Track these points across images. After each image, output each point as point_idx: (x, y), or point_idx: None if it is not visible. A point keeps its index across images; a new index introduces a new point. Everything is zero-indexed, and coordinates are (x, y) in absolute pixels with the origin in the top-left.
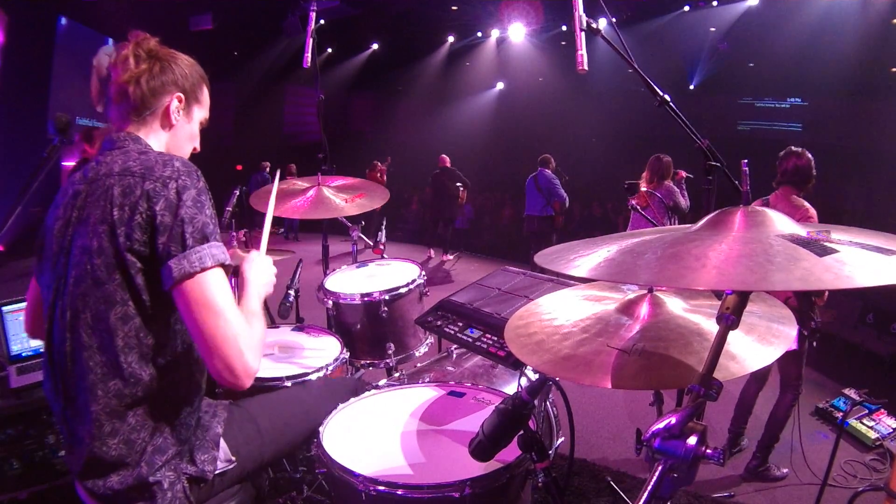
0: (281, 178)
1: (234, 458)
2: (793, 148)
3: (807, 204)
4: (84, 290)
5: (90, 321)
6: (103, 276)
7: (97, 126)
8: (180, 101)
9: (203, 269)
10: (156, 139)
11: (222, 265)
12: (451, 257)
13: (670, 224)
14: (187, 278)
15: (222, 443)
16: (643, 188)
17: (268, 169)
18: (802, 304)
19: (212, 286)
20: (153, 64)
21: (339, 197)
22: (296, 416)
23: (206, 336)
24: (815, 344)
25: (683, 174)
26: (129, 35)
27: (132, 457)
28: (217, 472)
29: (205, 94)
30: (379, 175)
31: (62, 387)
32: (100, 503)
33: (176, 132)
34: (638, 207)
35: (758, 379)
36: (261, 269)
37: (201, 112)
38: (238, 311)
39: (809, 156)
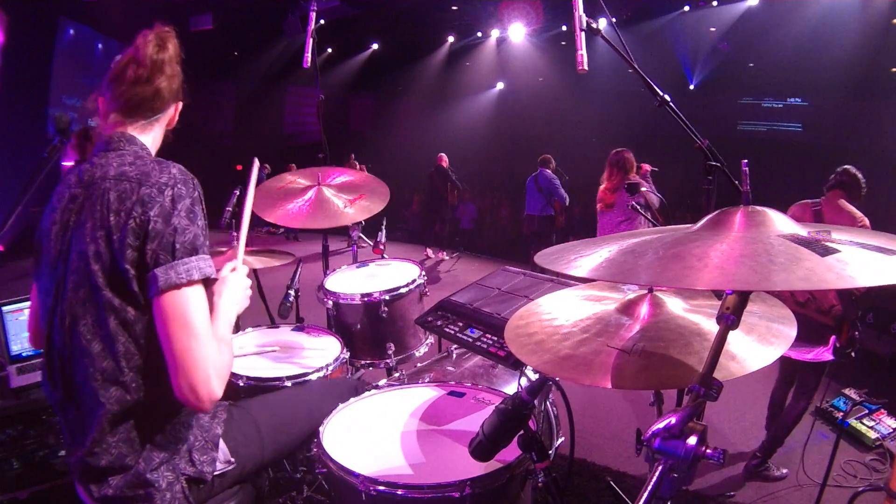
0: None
1: (233, 459)
2: (846, 167)
3: (860, 213)
4: (83, 295)
5: (90, 327)
6: (102, 282)
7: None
8: (177, 109)
9: (189, 282)
10: (149, 137)
11: (207, 280)
12: (448, 256)
13: (643, 223)
14: (172, 289)
15: (222, 444)
16: (603, 185)
17: (267, 171)
18: (848, 309)
19: (192, 302)
20: (174, 68)
21: (341, 198)
22: (296, 416)
23: (177, 354)
24: (853, 354)
25: (648, 168)
26: (156, 32)
27: (130, 456)
28: (216, 472)
29: None
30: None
31: (63, 391)
32: None
33: (165, 127)
34: (638, 207)
35: (786, 382)
36: (234, 287)
37: None
38: (212, 334)
39: (860, 176)
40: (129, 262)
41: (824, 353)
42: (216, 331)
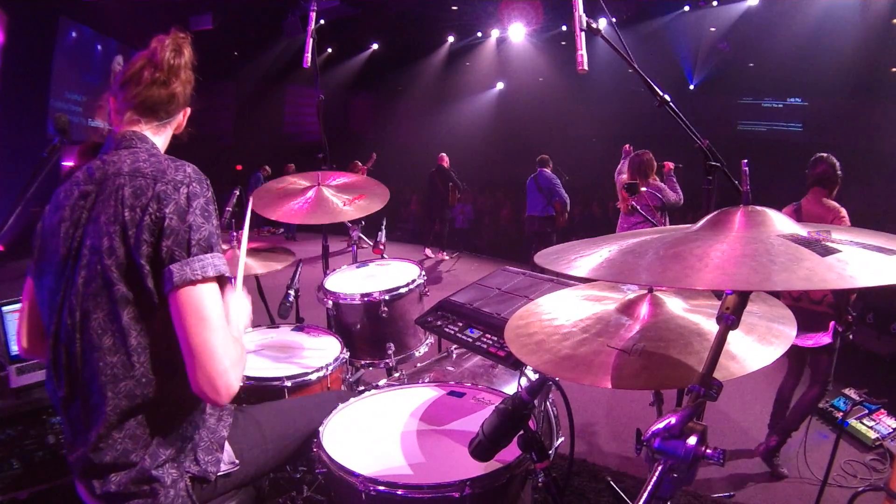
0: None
1: (237, 461)
2: (819, 154)
3: (838, 205)
4: (95, 290)
5: (102, 322)
6: (115, 277)
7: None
8: (185, 114)
9: (204, 279)
10: (160, 139)
11: (220, 277)
12: (447, 256)
13: (660, 223)
14: (187, 285)
15: (227, 445)
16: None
17: (267, 173)
18: (839, 298)
19: (208, 297)
20: (189, 74)
21: (340, 198)
22: (300, 426)
23: (195, 347)
24: (851, 336)
25: (671, 165)
26: (173, 37)
27: (136, 452)
28: (220, 473)
29: None
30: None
31: (69, 388)
32: (101, 502)
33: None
34: (638, 207)
35: (794, 375)
36: (239, 305)
37: None
38: (228, 328)
39: (834, 160)
40: (144, 258)
41: (824, 338)
42: (232, 326)
